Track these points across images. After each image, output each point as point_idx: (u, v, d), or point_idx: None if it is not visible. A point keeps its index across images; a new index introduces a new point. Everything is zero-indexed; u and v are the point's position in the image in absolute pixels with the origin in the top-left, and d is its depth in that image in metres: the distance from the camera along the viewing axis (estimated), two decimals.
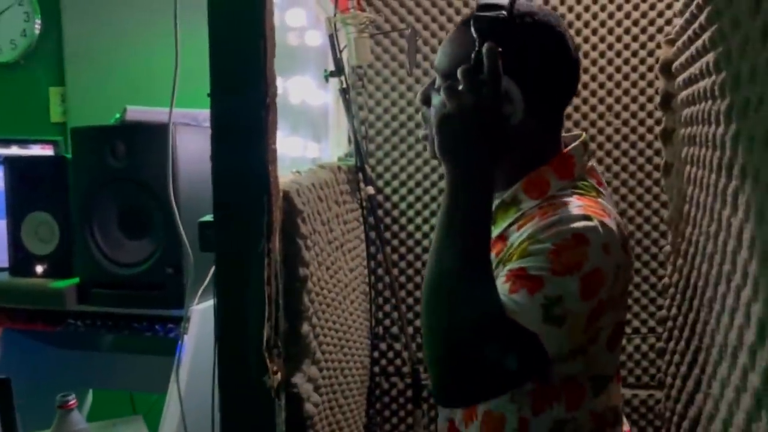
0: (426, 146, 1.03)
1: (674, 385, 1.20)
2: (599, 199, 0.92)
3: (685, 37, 1.09)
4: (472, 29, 0.85)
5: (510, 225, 0.95)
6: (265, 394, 1.03)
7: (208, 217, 1.10)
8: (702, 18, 0.90)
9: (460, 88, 0.82)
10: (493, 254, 0.93)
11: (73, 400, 1.32)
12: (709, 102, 0.87)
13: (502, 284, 0.82)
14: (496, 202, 0.97)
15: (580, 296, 0.80)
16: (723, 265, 0.74)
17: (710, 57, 0.85)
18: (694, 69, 0.98)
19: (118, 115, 1.48)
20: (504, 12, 0.86)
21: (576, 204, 0.87)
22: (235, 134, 1.02)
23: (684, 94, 1.09)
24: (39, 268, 1.52)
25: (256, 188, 1.02)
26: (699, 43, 0.93)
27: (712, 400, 0.75)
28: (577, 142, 0.98)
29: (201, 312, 1.44)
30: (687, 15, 1.05)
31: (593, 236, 0.81)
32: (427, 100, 1.02)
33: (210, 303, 1.46)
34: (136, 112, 1.45)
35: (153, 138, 1.38)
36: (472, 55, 0.81)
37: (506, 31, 0.86)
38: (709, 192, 0.86)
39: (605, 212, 0.87)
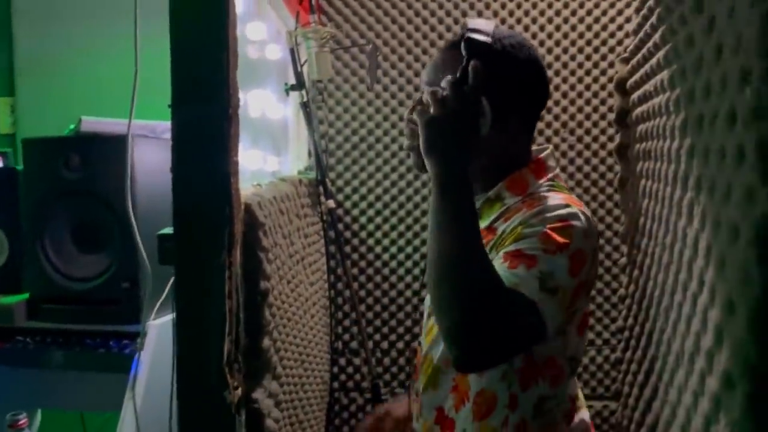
0: (410, 156, 1.11)
1: (631, 393, 1.23)
2: (572, 195, 1.04)
3: (639, 56, 1.13)
4: (462, 48, 0.95)
5: (497, 218, 1.05)
6: (226, 409, 1.01)
7: (168, 230, 1.08)
8: (656, 37, 0.94)
9: (444, 94, 0.91)
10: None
11: (24, 419, 1.27)
12: (664, 117, 0.90)
13: (500, 264, 0.91)
14: (481, 200, 1.08)
15: (568, 273, 0.89)
16: (679, 274, 0.77)
17: (664, 74, 0.89)
18: (648, 86, 1.02)
19: (72, 126, 1.45)
20: (489, 39, 0.97)
21: (557, 196, 1.00)
22: (196, 145, 1.01)
23: (638, 110, 1.13)
24: None
25: (218, 200, 1.00)
26: (653, 61, 0.97)
27: (670, 407, 0.77)
28: (547, 151, 1.11)
29: (157, 327, 1.41)
30: (641, 34, 1.09)
31: (575, 221, 0.93)
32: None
33: (167, 318, 1.43)
34: (92, 123, 1.42)
35: (109, 150, 1.35)
36: (459, 69, 0.90)
37: (488, 55, 0.96)
38: (665, 204, 0.89)
39: (580, 204, 1.00)
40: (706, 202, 0.64)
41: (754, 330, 0.50)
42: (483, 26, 0.99)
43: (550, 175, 1.08)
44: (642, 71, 1.08)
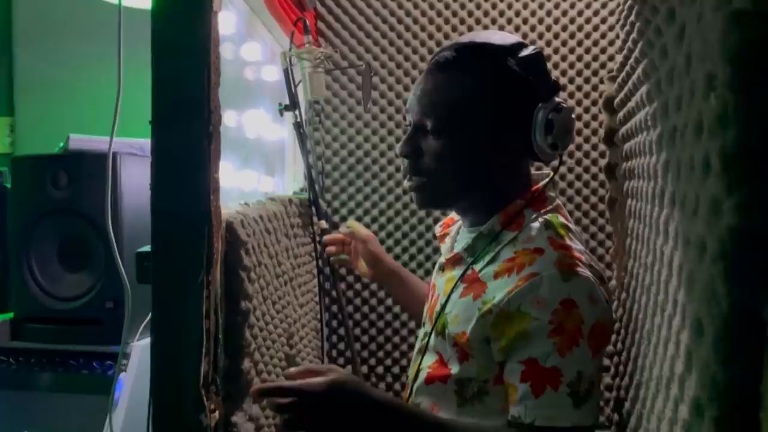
0: (412, 196, 1.10)
1: (620, 421, 1.19)
2: (569, 241, 0.97)
3: (624, 73, 1.11)
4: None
5: (487, 264, 1.00)
6: None
7: (147, 248, 1.06)
8: (636, 52, 0.92)
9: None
10: (470, 295, 0.98)
11: None
12: (644, 133, 0.88)
13: (520, 383, 0.87)
14: (473, 234, 1.04)
15: (591, 356, 0.86)
16: (658, 295, 0.74)
17: (644, 89, 0.87)
18: (632, 103, 1.00)
19: (61, 144, 1.44)
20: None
21: (550, 254, 0.92)
22: (176, 162, 0.99)
23: (624, 128, 1.11)
24: None
25: (197, 217, 0.99)
26: (635, 76, 0.95)
27: None
28: (547, 180, 1.06)
29: (142, 348, 1.39)
30: (625, 51, 1.07)
31: (578, 296, 0.87)
32: (415, 151, 1.07)
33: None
34: (80, 141, 1.42)
35: (96, 168, 1.34)
36: None
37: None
38: (646, 223, 0.86)
39: (578, 258, 0.93)
40: (679, 217, 0.62)
41: (720, 351, 0.47)
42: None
43: (549, 207, 1.03)
44: (626, 88, 1.07)
